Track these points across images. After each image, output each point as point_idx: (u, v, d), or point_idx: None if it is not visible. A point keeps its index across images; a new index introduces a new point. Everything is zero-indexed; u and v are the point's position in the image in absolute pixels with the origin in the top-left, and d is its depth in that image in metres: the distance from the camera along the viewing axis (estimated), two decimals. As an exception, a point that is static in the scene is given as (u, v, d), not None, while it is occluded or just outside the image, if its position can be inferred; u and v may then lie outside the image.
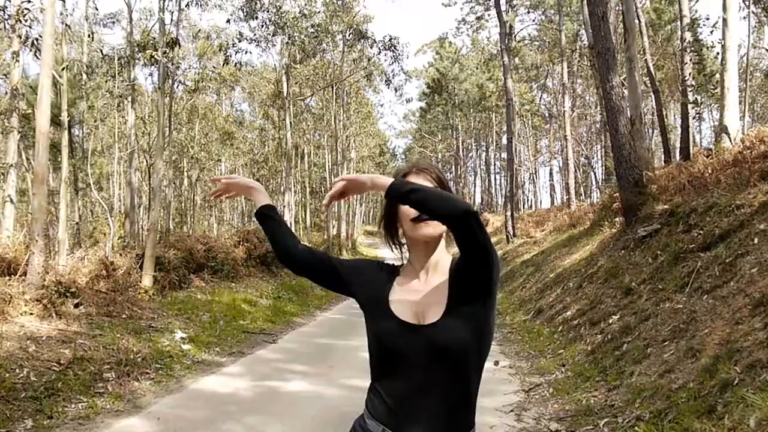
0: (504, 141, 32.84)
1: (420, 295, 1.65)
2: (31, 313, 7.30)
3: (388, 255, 1.81)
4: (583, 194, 36.54)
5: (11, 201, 11.35)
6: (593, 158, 38.93)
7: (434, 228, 1.63)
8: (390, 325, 1.61)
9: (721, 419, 3.76)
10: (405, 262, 1.78)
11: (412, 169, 1.70)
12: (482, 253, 1.54)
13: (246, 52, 45.72)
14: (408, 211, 1.63)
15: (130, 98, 18.03)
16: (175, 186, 29.04)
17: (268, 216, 1.88)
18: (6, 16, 10.98)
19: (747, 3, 16.43)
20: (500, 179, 57.14)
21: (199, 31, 28.92)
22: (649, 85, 18.28)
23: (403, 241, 1.76)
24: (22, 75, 15.96)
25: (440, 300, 1.62)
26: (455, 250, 1.65)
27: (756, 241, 6.04)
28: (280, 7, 21.17)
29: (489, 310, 1.63)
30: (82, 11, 18.56)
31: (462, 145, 58.78)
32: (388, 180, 1.58)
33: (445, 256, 1.72)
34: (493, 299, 1.64)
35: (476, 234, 1.49)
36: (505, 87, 24.63)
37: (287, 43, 23.07)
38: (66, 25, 15.29)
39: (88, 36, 16.93)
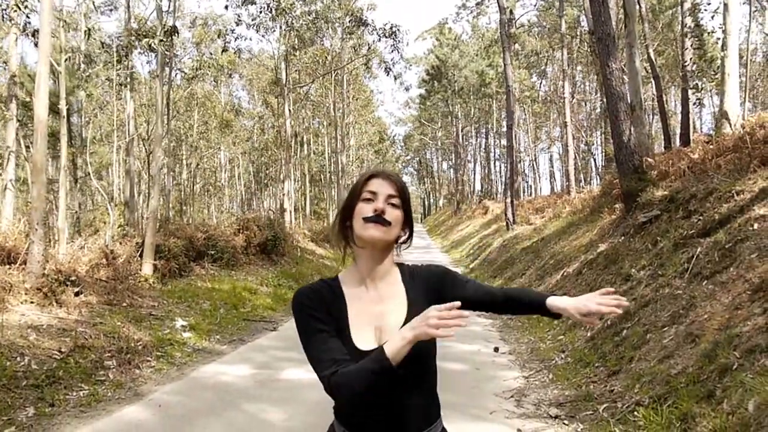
0: (504, 128, 32.76)
1: (374, 311, 1.64)
2: (32, 302, 7.31)
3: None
4: (583, 181, 36.51)
5: (11, 185, 11.33)
6: (593, 144, 38.86)
7: (383, 233, 1.61)
8: (351, 356, 1.57)
9: (720, 404, 3.78)
10: (343, 272, 1.74)
11: (380, 173, 1.69)
12: None
13: (245, 38, 45.49)
14: (363, 209, 1.63)
15: (128, 86, 17.98)
16: (174, 174, 29.01)
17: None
18: (4, 5, 10.93)
19: (748, -13, 16.34)
20: (500, 166, 57.06)
21: (196, 17, 28.79)
22: (650, 70, 18.20)
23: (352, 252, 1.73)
24: (21, 63, 15.89)
25: (397, 316, 1.63)
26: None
27: (756, 226, 6.03)
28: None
29: None
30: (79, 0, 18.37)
31: (462, 131, 58.62)
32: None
33: (393, 266, 1.72)
34: None
35: None
36: (505, 73, 24.52)
37: (286, 30, 22.95)
38: (65, 21, 15.22)
39: (86, 32, 16.86)
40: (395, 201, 1.64)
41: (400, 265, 1.74)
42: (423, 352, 1.56)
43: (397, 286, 1.69)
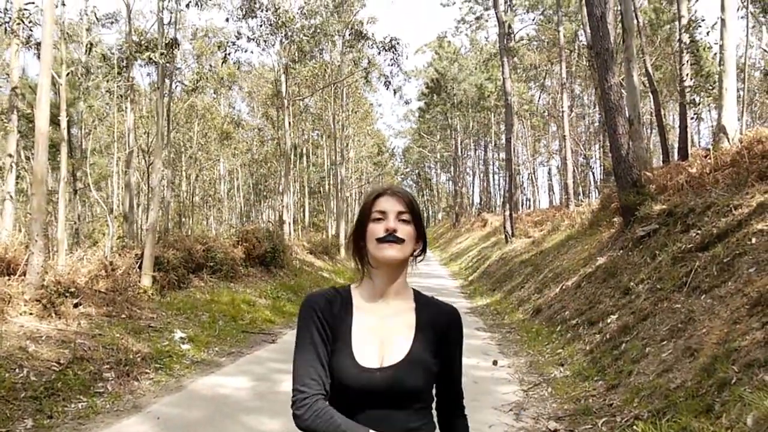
0: (503, 141, 32.88)
1: (382, 327, 1.65)
2: (31, 313, 7.30)
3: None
4: (581, 194, 36.57)
5: (10, 198, 11.34)
6: (592, 158, 38.99)
7: (398, 251, 1.62)
8: (351, 370, 1.58)
9: (719, 418, 3.78)
10: (356, 284, 1.75)
11: (387, 191, 1.69)
12: None
13: (245, 50, 45.73)
14: (375, 230, 1.63)
15: (128, 98, 18.03)
16: (173, 186, 29.03)
17: None
18: (7, 18, 11.00)
19: (745, 3, 16.44)
20: (499, 179, 57.28)
21: (197, 30, 28.94)
22: (648, 85, 18.30)
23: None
24: (23, 75, 15.96)
25: (404, 337, 1.64)
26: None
27: (753, 241, 6.06)
28: (278, 7, 21.13)
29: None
30: (79, 11, 18.53)
31: (461, 145, 58.78)
32: None
33: (406, 284, 1.73)
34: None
35: None
36: (504, 87, 24.67)
37: (286, 42, 23.04)
38: (67, 33, 15.30)
39: (87, 45, 16.98)
40: (406, 216, 1.65)
41: (417, 292, 1.74)
42: (410, 394, 1.60)
43: (409, 307, 1.70)
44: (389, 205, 1.65)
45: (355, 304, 1.69)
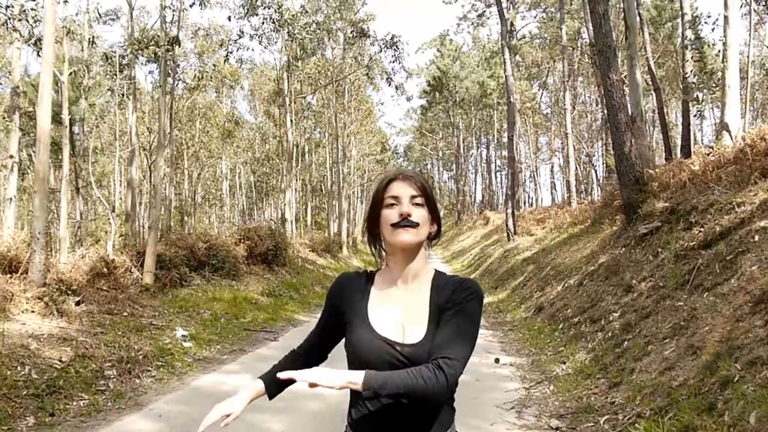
0: (505, 138, 32.84)
1: (400, 307, 1.65)
2: (33, 311, 7.31)
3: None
4: (584, 192, 36.51)
5: (10, 202, 11.35)
6: (594, 155, 38.92)
7: (414, 235, 1.62)
8: (370, 341, 1.59)
9: (722, 416, 3.77)
10: (383, 266, 1.76)
11: (398, 176, 1.69)
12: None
13: (247, 48, 45.79)
14: (389, 215, 1.64)
15: (130, 97, 18.04)
16: (175, 184, 29.04)
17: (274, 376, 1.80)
18: (9, 15, 11.00)
19: (748, 0, 16.38)
20: (501, 177, 57.20)
21: (199, 29, 28.91)
22: (650, 82, 18.27)
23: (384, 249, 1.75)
24: (24, 73, 15.97)
25: (421, 316, 1.63)
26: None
27: (756, 238, 6.04)
28: (281, 5, 21.10)
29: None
30: (81, 9, 18.52)
31: (463, 142, 58.81)
32: (360, 377, 1.45)
33: (424, 266, 1.72)
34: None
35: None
36: (506, 85, 24.60)
37: (288, 40, 23.03)
38: (69, 29, 15.30)
39: (89, 40, 16.98)
40: (419, 200, 1.65)
41: (438, 272, 1.73)
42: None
43: (426, 289, 1.68)
44: (402, 189, 1.65)
45: (374, 287, 1.72)
